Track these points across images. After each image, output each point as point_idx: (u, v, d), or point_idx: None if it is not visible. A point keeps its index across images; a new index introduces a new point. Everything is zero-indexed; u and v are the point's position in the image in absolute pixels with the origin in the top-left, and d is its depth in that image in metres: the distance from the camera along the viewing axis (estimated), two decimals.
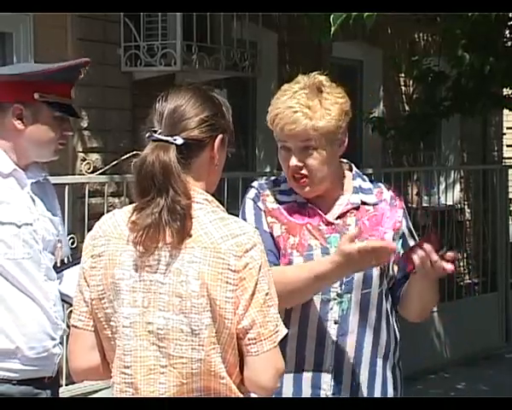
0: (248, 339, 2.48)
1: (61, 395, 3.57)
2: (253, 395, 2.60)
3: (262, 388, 2.54)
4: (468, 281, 10.48)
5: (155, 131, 2.54)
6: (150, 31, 7.72)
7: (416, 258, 2.85)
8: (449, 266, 2.84)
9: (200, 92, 2.63)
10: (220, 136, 2.60)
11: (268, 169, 9.39)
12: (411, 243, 3.06)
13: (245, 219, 3.00)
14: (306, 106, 2.95)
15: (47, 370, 3.38)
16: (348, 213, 3.03)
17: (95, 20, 7.46)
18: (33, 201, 3.38)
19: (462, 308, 8.92)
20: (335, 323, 2.99)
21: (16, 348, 3.27)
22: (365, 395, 3.02)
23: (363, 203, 3.06)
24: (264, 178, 3.18)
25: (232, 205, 6.24)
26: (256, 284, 2.47)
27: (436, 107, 9.04)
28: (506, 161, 13.04)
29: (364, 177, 3.16)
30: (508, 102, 9.20)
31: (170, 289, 2.47)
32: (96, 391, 5.15)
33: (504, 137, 14.04)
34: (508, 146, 14.49)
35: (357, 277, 2.98)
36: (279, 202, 3.05)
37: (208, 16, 7.79)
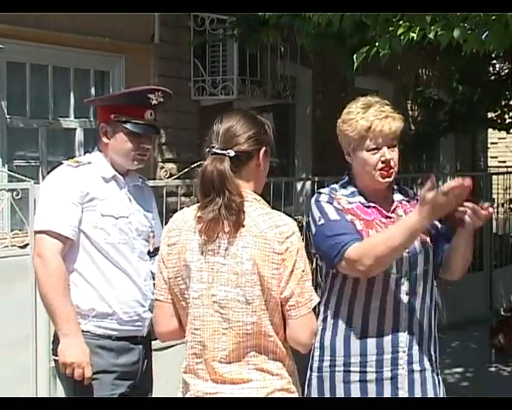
0: (289, 306, 2.46)
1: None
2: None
3: (300, 344, 2.52)
4: None
5: (213, 147, 2.52)
6: (213, 68, 7.77)
7: (461, 211, 2.81)
8: (489, 210, 2.80)
9: (247, 114, 2.61)
10: (264, 148, 2.58)
11: (304, 175, 9.36)
12: (438, 224, 3.01)
13: (329, 218, 2.88)
14: (390, 112, 2.90)
15: (139, 330, 3.35)
16: (397, 208, 2.99)
17: (172, 61, 7.51)
18: (129, 199, 3.38)
19: (456, 284, 8.78)
20: (406, 294, 2.92)
21: (113, 312, 3.27)
22: (424, 350, 2.95)
23: (402, 200, 3.04)
24: (329, 186, 3.06)
25: (277, 202, 6.22)
26: (294, 263, 2.45)
27: (436, 127, 8.98)
28: (490, 169, 12.90)
29: (399, 183, 3.14)
30: (492, 124, 9.09)
31: (228, 269, 2.46)
32: (172, 346, 5.15)
33: (489, 150, 13.97)
34: (491, 157, 14.37)
35: (420, 258, 2.93)
36: (349, 203, 2.96)
37: (258, 57, 7.80)
